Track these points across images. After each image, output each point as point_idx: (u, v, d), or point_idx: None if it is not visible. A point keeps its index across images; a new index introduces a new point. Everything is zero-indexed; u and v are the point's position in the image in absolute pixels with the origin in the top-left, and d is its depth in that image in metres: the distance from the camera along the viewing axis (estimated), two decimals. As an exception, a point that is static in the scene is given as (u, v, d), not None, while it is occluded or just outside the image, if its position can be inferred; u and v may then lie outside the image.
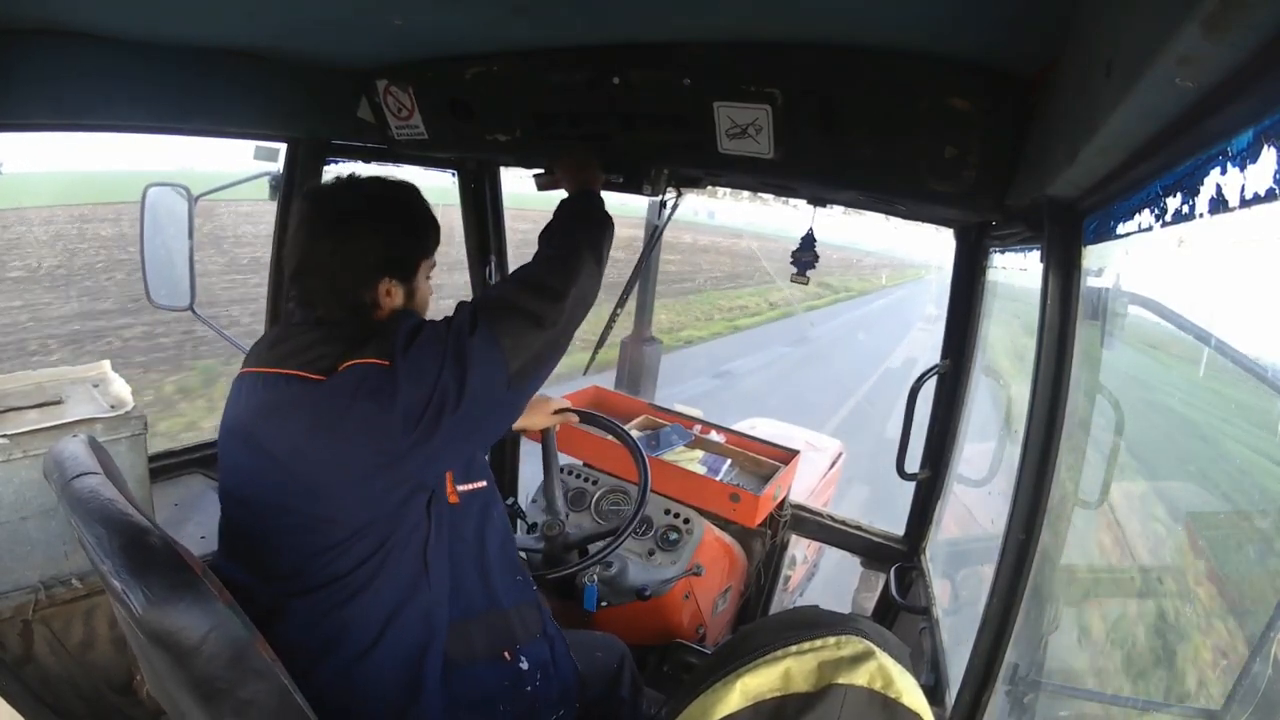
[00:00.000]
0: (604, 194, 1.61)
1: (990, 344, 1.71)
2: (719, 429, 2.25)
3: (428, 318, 1.14)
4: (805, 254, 1.68)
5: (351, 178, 1.14)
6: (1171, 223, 0.63)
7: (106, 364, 1.67)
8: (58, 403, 1.48)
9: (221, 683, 0.75)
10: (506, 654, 1.13)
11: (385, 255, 1.10)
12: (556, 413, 1.67)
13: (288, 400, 1.03)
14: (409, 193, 1.15)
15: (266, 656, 0.78)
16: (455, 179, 2.10)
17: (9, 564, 1.37)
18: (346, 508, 1.02)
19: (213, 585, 0.75)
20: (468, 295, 1.22)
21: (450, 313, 1.10)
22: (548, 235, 1.24)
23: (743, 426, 2.41)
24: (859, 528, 2.04)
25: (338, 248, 1.08)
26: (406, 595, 1.04)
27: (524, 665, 1.14)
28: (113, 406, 1.50)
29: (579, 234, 1.22)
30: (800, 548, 2.40)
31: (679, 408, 2.41)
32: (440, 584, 1.07)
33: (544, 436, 1.65)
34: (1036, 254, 1.02)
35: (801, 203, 1.69)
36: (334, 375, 1.01)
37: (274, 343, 1.11)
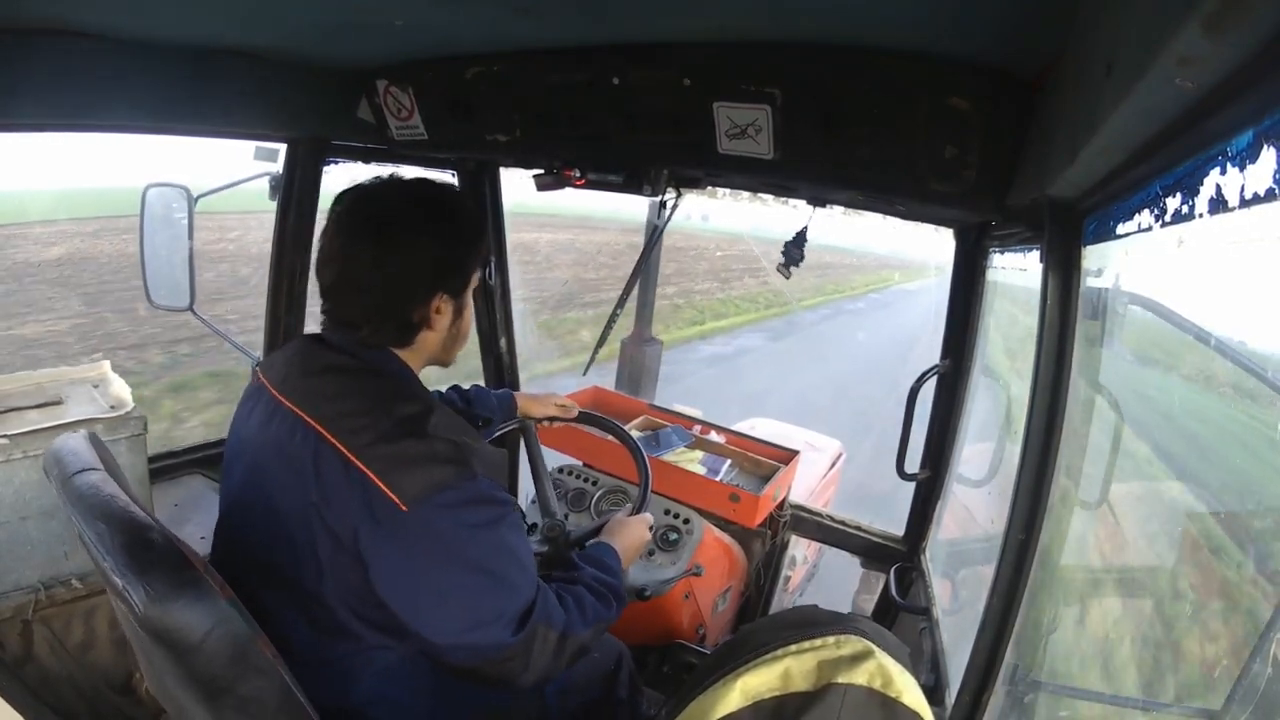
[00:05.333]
0: (603, 194, 1.61)
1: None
2: (719, 429, 2.25)
3: None
4: (795, 250, 1.68)
5: (393, 178, 1.02)
6: (1171, 223, 0.63)
7: (106, 364, 1.67)
8: (58, 403, 1.49)
9: (223, 680, 0.75)
10: None
11: (439, 268, 0.98)
12: (558, 406, 1.67)
13: (309, 462, 0.91)
14: (457, 195, 1.05)
15: (268, 654, 0.78)
16: (455, 178, 2.11)
17: (9, 564, 1.37)
18: (338, 589, 0.92)
19: (214, 582, 0.75)
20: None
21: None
22: (586, 597, 1.08)
23: (743, 426, 2.41)
24: (859, 528, 2.04)
25: (383, 258, 0.95)
26: (383, 689, 0.98)
27: None
28: (113, 407, 1.50)
29: (601, 616, 1.09)
30: (800, 548, 2.40)
31: (679, 408, 2.41)
32: (424, 686, 1.01)
33: (525, 436, 1.63)
34: (1036, 254, 1.02)
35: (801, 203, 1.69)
36: (412, 508, 0.89)
37: (302, 371, 0.99)
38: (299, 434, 0.93)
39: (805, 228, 1.67)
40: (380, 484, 0.88)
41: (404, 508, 0.88)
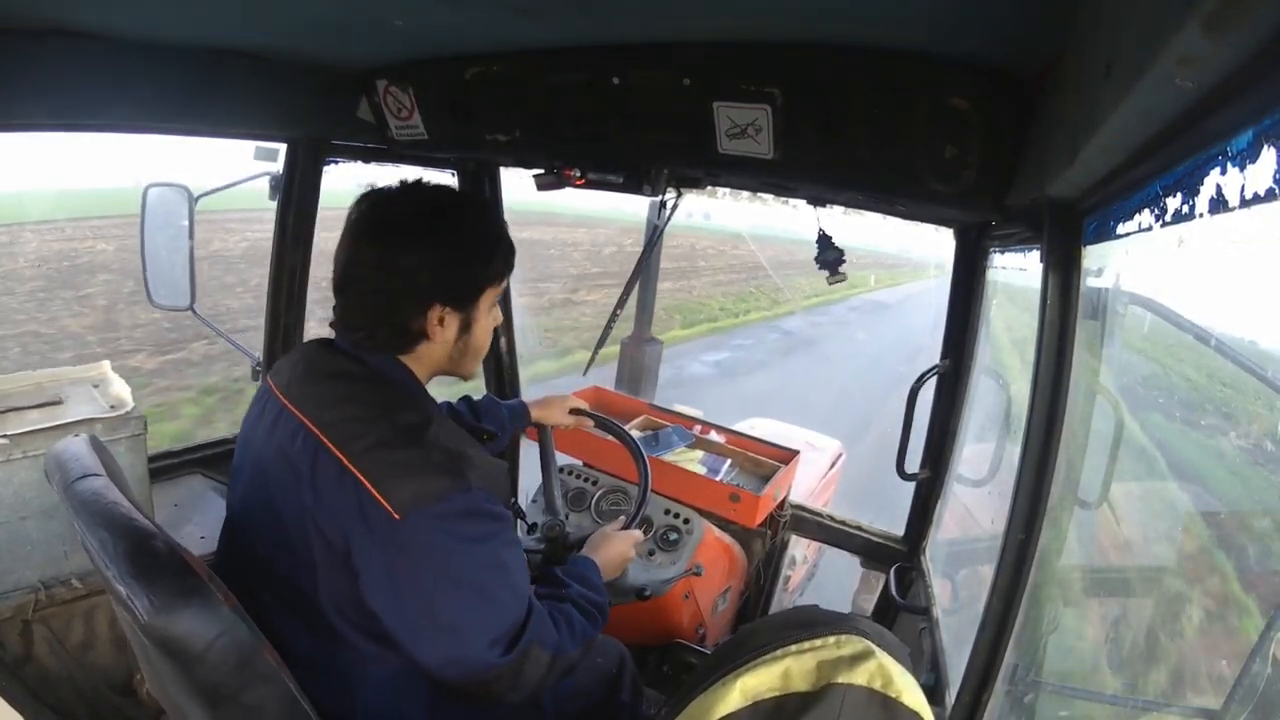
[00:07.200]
0: (603, 194, 1.61)
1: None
2: (719, 429, 2.25)
3: None
4: (828, 253, 1.62)
5: (416, 183, 1.01)
6: (1171, 223, 0.63)
7: (106, 364, 1.67)
8: (58, 403, 1.48)
9: (228, 688, 0.75)
10: None
11: (437, 277, 0.96)
12: (573, 412, 1.65)
13: (306, 466, 0.92)
14: (475, 206, 1.04)
15: (272, 661, 0.78)
16: (455, 177, 2.10)
17: (9, 564, 1.37)
18: (331, 595, 0.92)
19: (219, 590, 0.75)
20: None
21: None
22: (572, 610, 1.06)
23: (743, 426, 2.41)
24: (859, 528, 2.04)
25: (384, 261, 0.95)
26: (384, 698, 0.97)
27: None
28: (113, 406, 1.50)
29: (588, 634, 1.07)
30: (800, 548, 2.40)
31: (679, 408, 2.41)
32: (422, 701, 0.99)
33: (541, 435, 1.64)
34: (1036, 254, 1.02)
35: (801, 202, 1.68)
36: (405, 517, 0.88)
37: (307, 376, 0.99)
38: (300, 438, 0.94)
39: (820, 229, 1.62)
40: (374, 491, 0.88)
41: (396, 516, 0.87)
